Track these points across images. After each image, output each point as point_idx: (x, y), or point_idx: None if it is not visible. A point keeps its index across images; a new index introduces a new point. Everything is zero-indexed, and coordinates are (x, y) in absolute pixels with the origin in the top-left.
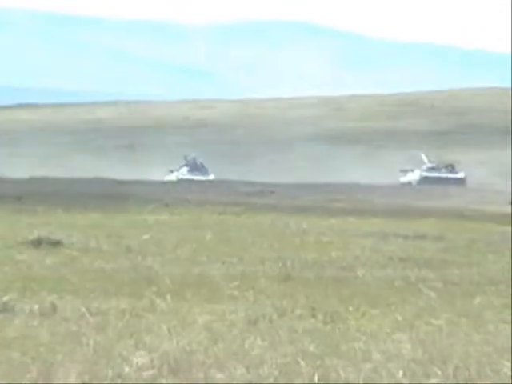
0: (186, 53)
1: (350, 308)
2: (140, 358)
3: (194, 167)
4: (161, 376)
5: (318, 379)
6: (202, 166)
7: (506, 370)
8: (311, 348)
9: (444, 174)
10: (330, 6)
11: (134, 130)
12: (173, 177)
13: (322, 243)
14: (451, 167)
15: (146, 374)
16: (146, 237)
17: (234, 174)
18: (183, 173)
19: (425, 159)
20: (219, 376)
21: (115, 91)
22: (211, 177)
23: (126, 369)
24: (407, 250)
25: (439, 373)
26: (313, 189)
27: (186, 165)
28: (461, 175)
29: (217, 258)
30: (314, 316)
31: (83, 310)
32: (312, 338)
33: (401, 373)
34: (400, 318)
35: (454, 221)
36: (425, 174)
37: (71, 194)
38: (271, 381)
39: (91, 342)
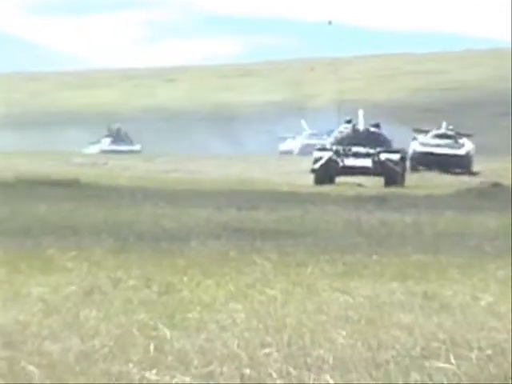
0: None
1: (185, 279)
2: None
3: (118, 138)
4: None
5: (153, 350)
6: (127, 136)
7: (340, 338)
8: (146, 319)
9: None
10: None
11: None
12: (95, 149)
13: (156, 214)
14: None
15: None
16: None
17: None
18: (106, 144)
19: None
20: (54, 347)
21: None
22: (137, 147)
23: None
24: (241, 221)
25: (273, 342)
26: (145, 159)
27: (108, 135)
28: None
29: (51, 230)
30: (148, 287)
31: None
32: (147, 308)
33: (236, 342)
34: (234, 289)
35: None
36: (306, 141)
37: None
38: (106, 351)
39: None
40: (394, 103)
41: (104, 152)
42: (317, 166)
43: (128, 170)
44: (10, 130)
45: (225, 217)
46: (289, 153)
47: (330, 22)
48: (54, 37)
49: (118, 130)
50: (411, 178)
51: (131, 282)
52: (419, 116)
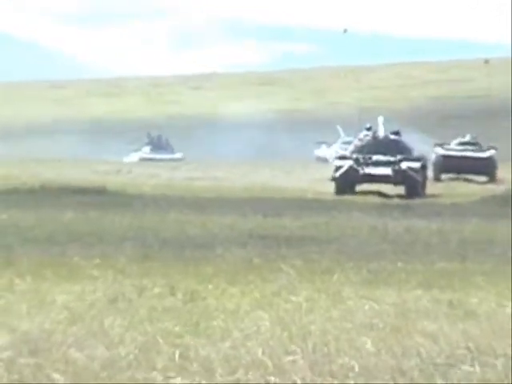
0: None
1: (210, 286)
2: None
3: (158, 145)
4: (20, 356)
5: (178, 357)
6: (168, 143)
7: (366, 346)
8: (171, 326)
9: None
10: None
11: None
12: (135, 157)
13: (180, 221)
14: None
15: (5, 354)
16: (4, 216)
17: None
18: (146, 152)
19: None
20: (78, 355)
21: None
22: (178, 155)
23: None
24: (267, 228)
25: (298, 350)
26: (173, 166)
27: (148, 143)
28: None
29: (76, 238)
30: (173, 294)
31: None
32: (171, 316)
33: (260, 350)
34: (259, 296)
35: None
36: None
37: None
38: (131, 359)
39: None
40: (417, 111)
41: (144, 160)
42: (337, 174)
43: (153, 177)
44: (35, 137)
45: (250, 224)
46: (323, 160)
47: (345, 30)
48: (81, 46)
49: (159, 138)
50: (435, 187)
51: (156, 290)
52: (442, 124)
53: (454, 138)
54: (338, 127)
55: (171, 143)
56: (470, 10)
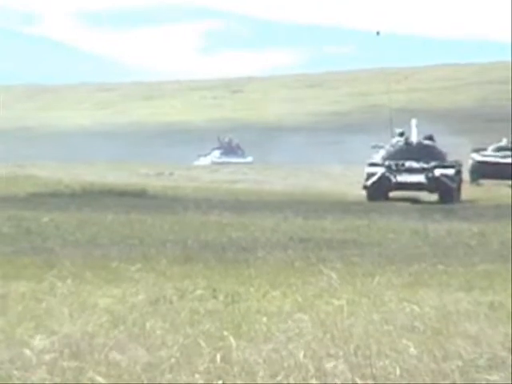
0: None
1: (251, 289)
2: (41, 342)
3: (229, 150)
4: (62, 359)
5: (220, 360)
6: (239, 147)
7: (407, 348)
8: (212, 329)
9: None
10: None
11: None
12: (206, 161)
13: (221, 224)
14: None
15: (47, 357)
16: (45, 219)
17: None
18: (216, 156)
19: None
20: (120, 358)
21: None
22: (249, 159)
23: (27, 352)
24: (308, 231)
25: (340, 353)
26: (212, 170)
27: (219, 147)
28: None
29: (117, 241)
30: (214, 297)
31: None
32: (213, 318)
33: (302, 353)
34: (300, 299)
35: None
36: None
37: None
38: (172, 362)
39: None
40: (460, 113)
41: (214, 164)
42: (369, 183)
43: (194, 180)
44: (77, 140)
45: (291, 226)
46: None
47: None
48: (120, 48)
49: (229, 142)
50: (476, 190)
51: (197, 292)
52: (485, 126)
53: (499, 141)
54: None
55: (202, 146)
56: None
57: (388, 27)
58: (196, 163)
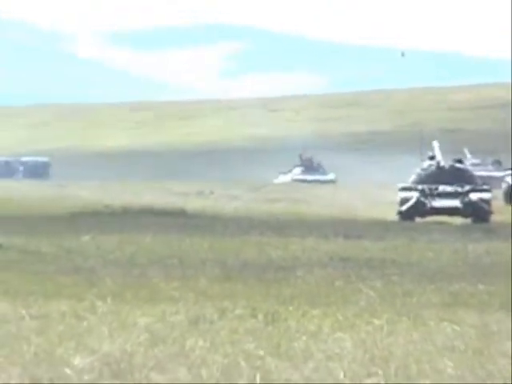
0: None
1: (291, 308)
2: (81, 360)
3: (310, 167)
4: (102, 378)
5: (260, 380)
6: (320, 165)
7: (448, 368)
8: (252, 348)
9: None
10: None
11: None
12: (286, 178)
13: (261, 243)
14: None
15: (87, 376)
16: (86, 238)
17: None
18: (297, 173)
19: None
20: (160, 378)
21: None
22: (331, 176)
23: (67, 371)
24: (347, 250)
25: (380, 372)
26: (251, 188)
27: (300, 165)
28: None
29: (156, 260)
30: (254, 316)
31: (23, 312)
32: (253, 338)
33: (342, 373)
34: (340, 318)
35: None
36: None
37: None
38: (212, 382)
39: (32, 345)
40: (501, 133)
41: (295, 181)
42: (404, 208)
43: (233, 199)
44: (115, 160)
45: (330, 246)
46: None
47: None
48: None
49: (310, 160)
50: (508, 210)
51: (237, 312)
52: None
53: None
54: (465, 150)
55: (238, 165)
56: None
57: (428, 47)
58: (275, 181)
